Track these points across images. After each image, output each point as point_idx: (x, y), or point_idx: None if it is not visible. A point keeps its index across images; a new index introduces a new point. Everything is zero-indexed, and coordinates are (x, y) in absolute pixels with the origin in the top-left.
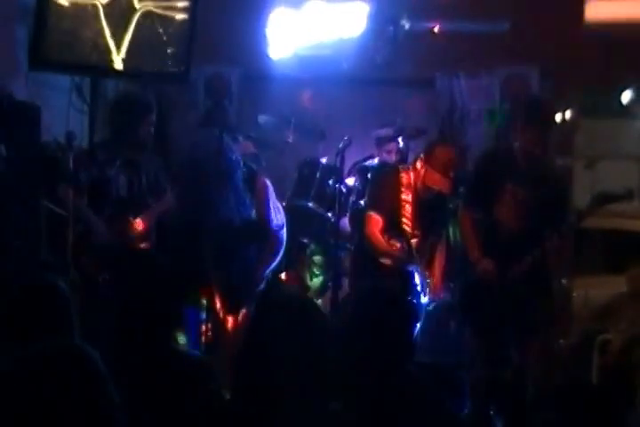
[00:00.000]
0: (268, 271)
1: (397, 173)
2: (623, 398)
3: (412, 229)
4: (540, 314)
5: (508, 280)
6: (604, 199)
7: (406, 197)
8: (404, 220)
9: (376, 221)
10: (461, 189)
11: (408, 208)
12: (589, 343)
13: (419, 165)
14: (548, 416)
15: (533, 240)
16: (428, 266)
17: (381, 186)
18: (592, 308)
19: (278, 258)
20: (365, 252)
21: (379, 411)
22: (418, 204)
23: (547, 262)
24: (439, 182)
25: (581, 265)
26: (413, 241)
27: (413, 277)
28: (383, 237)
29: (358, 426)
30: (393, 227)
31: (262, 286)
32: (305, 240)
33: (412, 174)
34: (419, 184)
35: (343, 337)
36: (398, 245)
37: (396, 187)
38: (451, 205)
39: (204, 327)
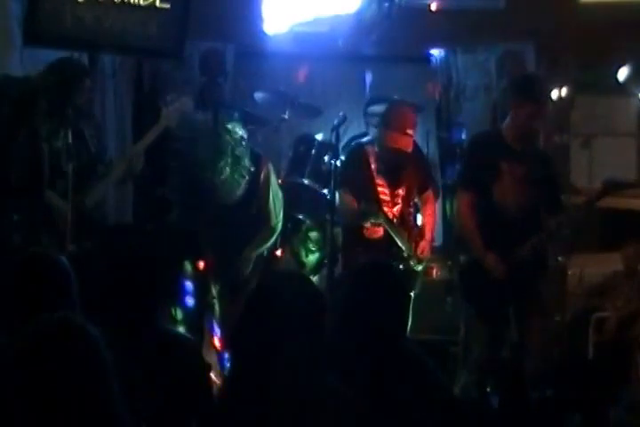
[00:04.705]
0: (257, 253)
1: (362, 149)
2: (619, 374)
3: (390, 196)
4: (538, 293)
5: (510, 264)
6: (613, 187)
7: (377, 166)
8: (380, 189)
9: (348, 198)
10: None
11: (382, 177)
12: (585, 321)
13: (380, 130)
14: (546, 393)
15: (533, 219)
16: (410, 229)
17: (347, 165)
18: (588, 286)
19: (269, 244)
20: (352, 228)
21: (377, 386)
22: (388, 169)
23: (546, 244)
24: (399, 141)
25: (577, 243)
26: (396, 208)
27: (396, 244)
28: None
29: (356, 401)
30: (368, 200)
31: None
32: (300, 217)
33: (376, 145)
34: (382, 148)
35: (341, 314)
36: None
37: (364, 163)
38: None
39: (197, 302)
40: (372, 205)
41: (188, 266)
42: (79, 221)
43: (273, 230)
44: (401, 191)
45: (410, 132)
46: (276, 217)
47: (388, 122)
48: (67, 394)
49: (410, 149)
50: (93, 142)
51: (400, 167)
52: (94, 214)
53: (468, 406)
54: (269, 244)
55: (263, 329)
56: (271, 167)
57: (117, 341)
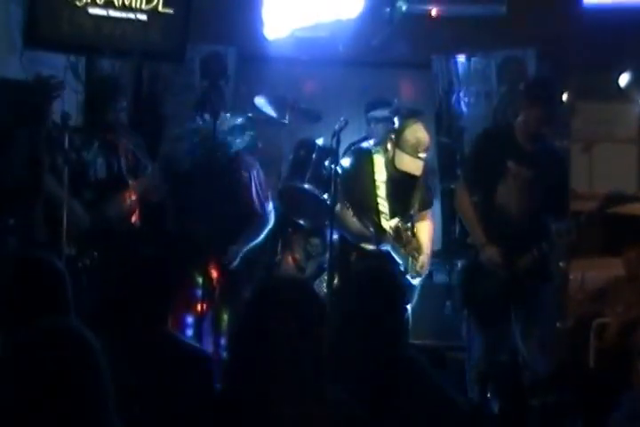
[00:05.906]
0: (247, 247)
1: (369, 157)
2: (620, 381)
3: (390, 209)
4: (540, 299)
5: (512, 270)
6: (617, 200)
7: (381, 177)
8: (379, 200)
9: (349, 215)
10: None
11: (383, 189)
12: (586, 327)
13: (389, 146)
14: (546, 398)
15: (536, 225)
16: (406, 243)
17: (352, 171)
18: (589, 291)
19: (260, 236)
20: (343, 237)
21: (378, 394)
22: (392, 184)
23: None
24: (408, 165)
25: (578, 247)
26: (393, 222)
27: (393, 258)
28: (358, 221)
29: (358, 409)
30: (368, 210)
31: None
32: (301, 222)
33: (383, 156)
34: (390, 166)
35: (340, 321)
36: (372, 229)
37: (368, 172)
38: (453, 186)
39: (199, 307)
40: (383, 236)
41: (194, 273)
42: (96, 229)
43: (263, 220)
44: (400, 207)
45: (423, 156)
46: (264, 207)
47: (401, 143)
48: (61, 398)
49: (419, 173)
50: (128, 157)
51: (406, 189)
52: (115, 224)
53: (469, 411)
54: (261, 236)
55: (262, 335)
56: (252, 161)
57: (123, 346)
